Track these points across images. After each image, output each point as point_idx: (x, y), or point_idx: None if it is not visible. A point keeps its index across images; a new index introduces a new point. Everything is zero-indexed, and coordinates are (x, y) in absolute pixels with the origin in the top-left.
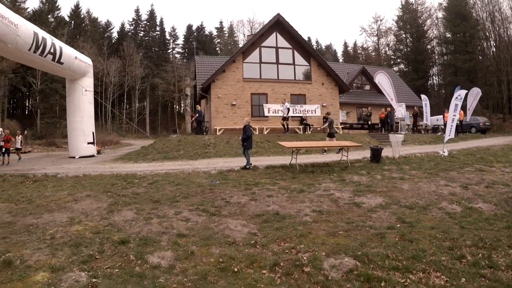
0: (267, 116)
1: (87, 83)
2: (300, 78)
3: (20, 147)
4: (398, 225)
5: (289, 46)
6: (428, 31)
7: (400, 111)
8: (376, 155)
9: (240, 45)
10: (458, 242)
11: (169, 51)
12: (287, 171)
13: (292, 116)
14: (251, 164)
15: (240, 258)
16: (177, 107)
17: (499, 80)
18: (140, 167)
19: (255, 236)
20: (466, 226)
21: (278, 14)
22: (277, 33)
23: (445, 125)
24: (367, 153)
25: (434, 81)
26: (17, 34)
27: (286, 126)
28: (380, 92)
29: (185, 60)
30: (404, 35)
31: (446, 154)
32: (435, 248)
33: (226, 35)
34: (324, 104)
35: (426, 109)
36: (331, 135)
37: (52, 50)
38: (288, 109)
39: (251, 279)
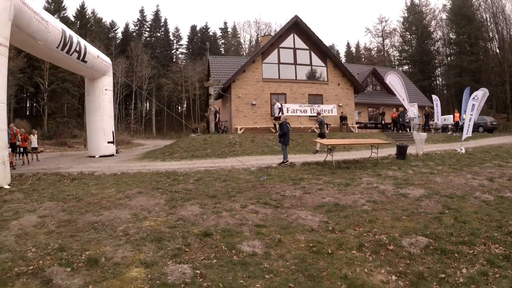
0: (322, 117)
1: (107, 82)
2: (317, 79)
3: (36, 146)
4: (447, 211)
5: (306, 47)
6: (434, 33)
7: (413, 111)
8: (402, 152)
9: (245, 46)
10: (502, 222)
11: (173, 51)
12: (323, 167)
13: (309, 116)
14: (287, 160)
15: (327, 242)
16: (182, 107)
17: (503, 80)
18: (173, 165)
19: (328, 223)
20: (503, 211)
21: (296, 16)
22: (295, 34)
23: (455, 124)
24: (386, 151)
25: (438, 82)
26: (47, 31)
27: (275, 125)
28: (390, 92)
29: (188, 61)
30: (409, 36)
31: (463, 151)
32: (486, 227)
33: (230, 35)
34: (340, 104)
35: (437, 109)
36: (321, 135)
37: (77, 48)
38: (280, 108)
39: (346, 258)
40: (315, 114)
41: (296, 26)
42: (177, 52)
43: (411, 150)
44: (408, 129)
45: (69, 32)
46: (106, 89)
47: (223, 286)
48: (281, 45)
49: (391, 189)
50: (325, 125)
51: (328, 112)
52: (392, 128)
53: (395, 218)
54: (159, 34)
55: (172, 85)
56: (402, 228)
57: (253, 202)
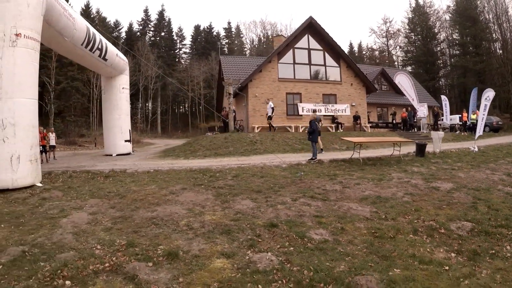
0: (301, 115)
1: (124, 81)
2: (331, 79)
3: (54, 144)
4: (478, 201)
5: (320, 47)
6: (438, 34)
7: (422, 111)
8: (421, 150)
9: (247, 46)
10: None
11: (176, 51)
12: (351, 164)
13: (324, 115)
14: (316, 158)
15: (385, 228)
16: (188, 106)
17: (506, 81)
18: (201, 162)
19: (378, 213)
20: None
21: (311, 17)
22: (309, 35)
23: (463, 124)
24: (403, 149)
25: (441, 82)
26: (74, 28)
27: (270, 125)
28: (399, 92)
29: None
30: (415, 37)
31: (476, 149)
32: None
33: (234, 35)
34: (353, 104)
35: (446, 109)
36: (318, 133)
37: (99, 46)
38: (272, 108)
39: (406, 241)
40: (330, 114)
41: (310, 27)
42: (180, 52)
43: (428, 148)
44: (417, 128)
45: (92, 29)
46: (123, 88)
47: (313, 268)
48: (296, 46)
49: (422, 183)
50: (320, 124)
51: (342, 112)
52: (401, 127)
53: (437, 207)
54: (163, 34)
55: (179, 85)
56: (446, 215)
57: (300, 196)
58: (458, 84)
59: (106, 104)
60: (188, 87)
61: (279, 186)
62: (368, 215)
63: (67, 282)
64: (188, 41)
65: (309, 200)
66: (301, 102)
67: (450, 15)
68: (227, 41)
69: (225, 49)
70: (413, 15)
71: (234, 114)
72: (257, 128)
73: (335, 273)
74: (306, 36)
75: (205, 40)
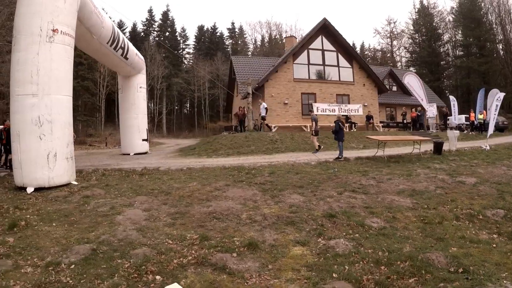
0: (316, 115)
1: (141, 80)
2: (344, 79)
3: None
4: (503, 193)
5: (333, 49)
6: (443, 35)
7: (432, 111)
8: (438, 148)
9: (251, 46)
10: None
11: (179, 51)
12: (376, 162)
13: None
14: (342, 156)
15: (431, 216)
16: (196, 106)
17: (510, 81)
18: (228, 160)
19: (418, 204)
20: None
21: (325, 19)
22: (323, 37)
23: (471, 123)
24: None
25: (445, 83)
26: (102, 25)
27: (266, 125)
28: (406, 92)
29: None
30: (420, 38)
31: (488, 148)
32: None
33: (237, 35)
34: (366, 104)
35: (454, 109)
36: (316, 133)
37: (122, 45)
38: (266, 108)
39: (452, 226)
40: (344, 114)
41: (324, 29)
42: (184, 52)
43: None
44: (426, 128)
45: (116, 28)
46: (140, 87)
47: (385, 250)
48: (310, 47)
49: (447, 178)
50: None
51: (355, 112)
52: (411, 127)
53: (469, 198)
54: (167, 34)
55: (185, 85)
56: (479, 205)
57: (342, 190)
58: (461, 84)
59: (123, 103)
60: (195, 87)
61: (318, 182)
62: (411, 206)
63: (157, 277)
64: (191, 41)
65: (353, 194)
66: (315, 102)
67: (453, 16)
68: (231, 41)
69: (229, 49)
70: (417, 16)
71: (248, 113)
72: (274, 127)
73: (405, 253)
74: (320, 37)
75: (209, 40)
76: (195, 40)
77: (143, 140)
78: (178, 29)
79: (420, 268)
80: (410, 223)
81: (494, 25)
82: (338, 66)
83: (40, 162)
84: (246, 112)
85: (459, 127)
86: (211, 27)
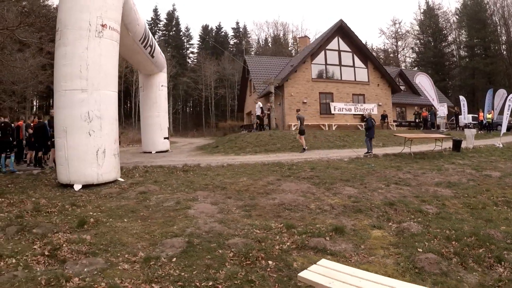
0: (333, 114)
1: (163, 78)
2: (359, 79)
3: None
4: None
5: (349, 49)
6: (448, 36)
7: (442, 110)
8: (457, 145)
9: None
10: None
11: (184, 51)
12: (403, 158)
13: (354, 114)
14: (371, 152)
15: (474, 203)
16: (204, 105)
17: None
18: (261, 157)
19: (458, 193)
20: None
21: (341, 20)
22: (339, 38)
23: (480, 123)
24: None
25: (450, 83)
26: (137, 23)
27: (259, 124)
28: (415, 92)
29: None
30: (426, 38)
31: (501, 146)
32: None
33: (241, 35)
34: (380, 104)
35: (464, 109)
36: (301, 132)
37: (151, 43)
38: (261, 108)
39: (494, 210)
40: (360, 113)
41: (341, 30)
42: (188, 52)
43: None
44: (436, 127)
45: (147, 26)
46: (162, 85)
47: (451, 228)
48: (327, 47)
49: (474, 172)
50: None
51: (370, 111)
52: (422, 126)
53: (501, 188)
54: (171, 34)
55: (193, 84)
56: (511, 193)
57: (386, 183)
58: (466, 85)
59: (145, 101)
60: (203, 86)
61: (360, 176)
62: (453, 195)
63: (270, 262)
64: (195, 40)
65: (398, 186)
66: (332, 101)
67: (457, 17)
68: (235, 41)
69: (233, 49)
70: (423, 17)
71: (270, 112)
72: (293, 126)
73: (467, 231)
74: (337, 38)
75: (214, 40)
76: (199, 39)
77: (165, 138)
78: (182, 29)
79: (485, 241)
80: (458, 209)
81: (498, 26)
82: (353, 66)
83: (89, 158)
84: (269, 110)
85: (467, 126)
86: (216, 27)
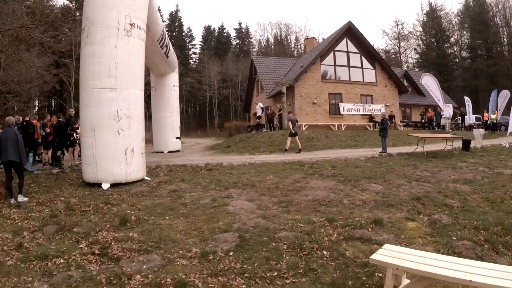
0: (342, 114)
1: (175, 78)
2: (367, 80)
3: None
4: None
5: (357, 51)
6: (451, 37)
7: (448, 111)
8: (466, 145)
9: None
10: None
11: (186, 51)
12: (417, 157)
13: (362, 115)
14: (386, 151)
15: (492, 197)
16: (207, 105)
17: None
18: (278, 157)
19: (476, 189)
20: None
21: (350, 22)
22: (347, 39)
23: (484, 123)
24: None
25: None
26: (157, 23)
27: (260, 124)
28: (420, 93)
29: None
30: (428, 39)
31: (507, 145)
32: None
33: (243, 35)
34: (387, 104)
35: (469, 109)
36: (292, 134)
37: (166, 43)
38: (262, 108)
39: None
40: (368, 113)
41: (349, 31)
42: (190, 52)
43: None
44: (442, 127)
45: (163, 27)
46: (174, 85)
47: (477, 219)
48: (336, 49)
49: (487, 170)
50: (296, 124)
51: (378, 111)
52: (428, 126)
53: None
54: (174, 34)
55: (197, 84)
56: None
57: (407, 180)
58: (469, 86)
59: (157, 101)
60: (207, 87)
61: (381, 174)
62: (471, 190)
63: (324, 252)
64: (198, 41)
65: (419, 182)
66: (341, 102)
67: (459, 18)
68: (238, 41)
69: (236, 49)
70: (426, 18)
71: (281, 112)
72: (304, 126)
73: (492, 221)
74: (345, 39)
75: (216, 40)
76: (201, 40)
77: (176, 138)
78: (185, 29)
79: (510, 230)
80: (479, 203)
81: (500, 28)
82: (361, 67)
83: (118, 157)
84: (281, 110)
85: (471, 127)
86: (218, 27)
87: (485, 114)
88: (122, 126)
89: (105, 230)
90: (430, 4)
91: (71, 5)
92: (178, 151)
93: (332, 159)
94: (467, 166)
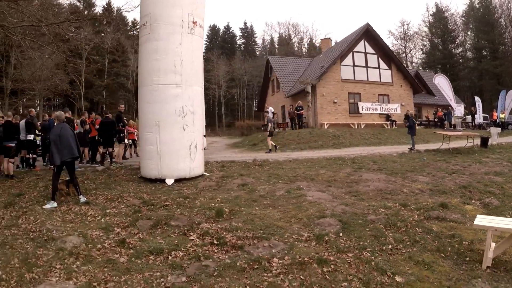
0: (361, 113)
1: None
2: (384, 80)
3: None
4: None
5: (373, 52)
6: (458, 38)
7: (460, 110)
8: (485, 142)
9: (259, 45)
10: None
11: None
12: (443, 153)
13: (380, 114)
14: (414, 148)
15: None
16: (217, 105)
17: None
18: (316, 153)
19: (508, 180)
20: None
21: (367, 24)
22: (365, 40)
23: (493, 122)
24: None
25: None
26: (203, 23)
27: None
28: (430, 93)
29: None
30: (434, 40)
31: None
32: None
33: (248, 35)
34: (403, 104)
35: (479, 109)
36: (270, 134)
37: None
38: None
39: None
40: (385, 112)
41: (367, 33)
42: None
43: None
44: (453, 126)
45: None
46: None
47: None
48: (354, 50)
49: (510, 164)
50: (274, 124)
51: (394, 111)
52: (439, 125)
53: None
54: None
55: (207, 84)
56: None
57: (445, 173)
58: (475, 86)
59: None
60: (216, 86)
61: (419, 168)
62: (504, 181)
63: (417, 229)
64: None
65: (457, 175)
66: (360, 101)
67: (463, 19)
68: (243, 41)
69: (242, 49)
70: (432, 19)
71: (301, 111)
72: (326, 124)
73: None
74: (363, 41)
75: (222, 40)
76: (207, 39)
77: (203, 136)
78: None
79: None
80: (510, 198)
81: (505, 28)
82: (378, 68)
83: (183, 153)
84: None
85: (481, 125)
86: (224, 27)
87: (494, 114)
88: (187, 122)
89: (205, 222)
90: (436, 5)
91: (78, 3)
92: (205, 148)
93: (368, 155)
94: (491, 161)
